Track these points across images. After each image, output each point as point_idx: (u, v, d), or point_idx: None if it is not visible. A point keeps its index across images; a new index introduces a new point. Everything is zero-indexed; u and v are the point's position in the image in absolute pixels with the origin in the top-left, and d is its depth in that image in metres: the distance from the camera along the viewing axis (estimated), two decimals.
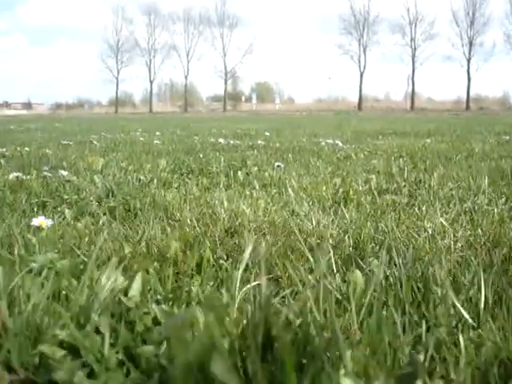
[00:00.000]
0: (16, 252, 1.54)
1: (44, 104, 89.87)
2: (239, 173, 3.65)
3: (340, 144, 6.70)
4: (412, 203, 2.55)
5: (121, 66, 71.02)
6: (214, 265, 1.59)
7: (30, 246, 1.69)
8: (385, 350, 0.95)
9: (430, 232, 1.88)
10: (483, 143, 6.77)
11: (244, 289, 1.22)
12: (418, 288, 1.37)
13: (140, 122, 23.13)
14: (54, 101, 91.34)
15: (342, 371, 0.84)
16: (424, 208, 2.34)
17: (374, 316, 1.07)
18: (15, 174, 3.46)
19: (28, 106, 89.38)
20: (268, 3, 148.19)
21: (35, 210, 2.48)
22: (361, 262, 1.57)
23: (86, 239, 1.83)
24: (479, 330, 1.11)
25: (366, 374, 0.83)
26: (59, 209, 2.48)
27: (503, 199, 2.58)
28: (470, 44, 60.14)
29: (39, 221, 1.98)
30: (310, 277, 1.36)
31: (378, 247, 1.74)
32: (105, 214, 2.35)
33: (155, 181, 3.38)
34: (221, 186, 3.16)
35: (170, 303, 1.27)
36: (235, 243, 1.82)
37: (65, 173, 3.64)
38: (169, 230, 1.94)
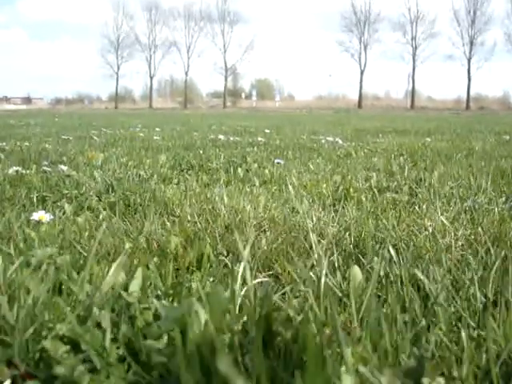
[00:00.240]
0: (16, 246, 1.53)
1: (44, 99, 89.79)
2: (239, 169, 3.65)
3: (340, 142, 6.69)
4: (412, 201, 2.55)
5: (121, 62, 70.99)
6: (214, 261, 1.59)
7: (30, 240, 1.69)
8: (386, 347, 0.94)
9: (431, 230, 1.87)
10: (483, 142, 6.77)
11: (245, 285, 1.21)
12: (418, 286, 1.37)
13: (140, 117, 23.11)
14: (54, 96, 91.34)
15: (343, 368, 0.84)
16: (424, 206, 2.34)
17: (374, 313, 1.07)
18: (15, 169, 3.45)
19: (28, 100, 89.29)
20: (269, 0, 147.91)
21: (35, 204, 2.48)
22: (362, 259, 1.57)
23: (86, 234, 1.82)
24: (479, 329, 1.11)
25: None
26: (59, 203, 2.47)
27: (503, 198, 2.58)
28: (471, 43, 60.13)
29: (39, 215, 1.97)
30: (310, 273, 1.36)
31: (378, 245, 1.74)
32: (105, 209, 2.35)
33: (155, 176, 3.37)
34: (221, 183, 3.15)
35: (171, 299, 1.27)
36: (235, 239, 1.82)
37: (65, 168, 3.63)
38: (169, 225, 1.94)
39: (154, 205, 2.41)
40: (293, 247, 1.71)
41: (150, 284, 1.31)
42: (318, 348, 0.87)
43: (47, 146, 6.02)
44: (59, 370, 0.90)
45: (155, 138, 7.56)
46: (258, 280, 1.32)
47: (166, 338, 1.02)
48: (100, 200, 2.56)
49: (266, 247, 1.70)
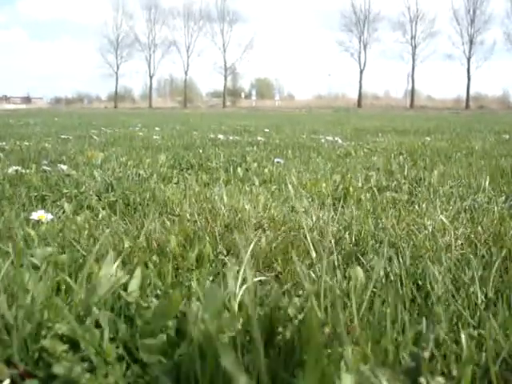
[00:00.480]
0: (15, 245, 1.53)
1: (43, 98, 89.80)
2: (239, 169, 3.65)
3: (340, 141, 6.69)
4: (412, 200, 2.55)
5: (120, 61, 70.99)
6: (213, 260, 1.59)
7: (30, 239, 1.68)
8: (386, 346, 0.94)
9: (430, 229, 1.87)
10: (483, 141, 6.77)
11: (244, 285, 1.21)
12: (418, 285, 1.37)
13: (139, 117, 23.10)
14: (54, 95, 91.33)
15: (344, 367, 0.84)
16: (424, 205, 2.34)
17: (374, 312, 1.06)
18: (14, 168, 3.45)
19: (27, 100, 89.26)
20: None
21: (34, 203, 2.47)
22: (362, 258, 1.57)
23: (86, 233, 1.82)
24: (479, 328, 1.11)
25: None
26: (59, 203, 2.47)
27: (503, 197, 2.58)
28: (471, 42, 60.13)
29: (39, 214, 1.97)
30: (310, 272, 1.36)
31: (378, 244, 1.74)
32: (104, 209, 2.34)
33: (155, 176, 3.37)
34: (220, 182, 3.15)
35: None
36: (235, 238, 1.81)
37: (64, 167, 3.63)
38: (168, 224, 1.93)
39: (153, 204, 2.40)
40: (292, 246, 1.70)
41: (150, 283, 1.31)
42: (317, 346, 0.87)
43: (47, 145, 6.01)
44: (58, 369, 0.90)
45: (155, 137, 7.55)
46: (258, 279, 1.32)
47: (164, 336, 1.02)
48: (100, 199, 2.55)
49: (265, 246, 1.70)
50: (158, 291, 1.28)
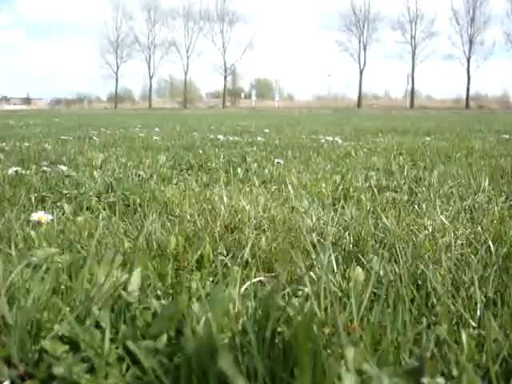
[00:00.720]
0: (15, 246, 1.53)
1: (43, 99, 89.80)
2: (239, 169, 3.65)
3: (339, 141, 6.69)
4: (412, 200, 2.55)
5: (120, 62, 71.05)
6: (213, 260, 1.59)
7: (30, 240, 1.68)
8: (387, 347, 0.94)
9: (430, 229, 1.87)
10: (483, 141, 6.77)
11: (244, 285, 1.21)
12: (418, 285, 1.37)
13: (139, 117, 23.10)
14: (53, 96, 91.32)
15: (344, 368, 0.84)
16: (424, 205, 2.34)
17: (374, 313, 1.06)
18: (14, 169, 3.45)
19: (27, 101, 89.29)
20: (268, 0, 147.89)
21: (35, 204, 2.48)
22: (362, 258, 1.57)
23: (86, 234, 1.82)
24: (480, 328, 1.11)
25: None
26: (58, 204, 2.47)
27: (503, 197, 2.58)
28: (470, 42, 60.17)
29: (39, 215, 1.97)
30: (310, 273, 1.36)
31: (378, 244, 1.74)
32: (104, 210, 2.34)
33: (155, 176, 3.37)
34: (220, 182, 3.15)
35: (170, 299, 1.27)
36: (235, 239, 1.81)
37: (64, 168, 3.63)
38: (168, 225, 1.93)
39: (153, 205, 2.41)
40: (292, 247, 1.71)
41: (150, 284, 1.31)
42: (318, 348, 0.87)
43: (47, 146, 6.01)
44: (58, 369, 0.90)
45: (155, 138, 7.55)
46: (258, 279, 1.32)
47: (164, 337, 1.02)
48: (99, 200, 2.55)
49: (265, 247, 1.70)
50: (158, 292, 1.28)
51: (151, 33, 71.02)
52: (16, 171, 3.40)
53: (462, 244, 1.75)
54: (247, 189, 2.84)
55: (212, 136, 7.94)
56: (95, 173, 3.36)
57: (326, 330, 1.00)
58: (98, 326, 1.03)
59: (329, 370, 0.82)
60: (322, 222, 2.01)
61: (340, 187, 2.83)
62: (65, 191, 2.73)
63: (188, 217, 2.09)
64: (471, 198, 2.52)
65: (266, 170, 3.65)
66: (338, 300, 1.24)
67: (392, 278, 1.37)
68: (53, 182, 3.03)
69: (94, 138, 7.54)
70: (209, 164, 4.09)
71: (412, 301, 1.26)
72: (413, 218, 2.09)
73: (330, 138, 7.10)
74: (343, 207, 2.29)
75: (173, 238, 1.68)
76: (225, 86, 71.44)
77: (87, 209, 2.40)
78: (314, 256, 1.52)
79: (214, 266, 1.55)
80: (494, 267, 1.43)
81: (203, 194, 2.63)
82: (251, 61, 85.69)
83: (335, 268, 1.44)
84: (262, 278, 1.36)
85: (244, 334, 1.00)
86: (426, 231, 1.85)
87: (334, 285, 1.32)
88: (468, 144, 6.29)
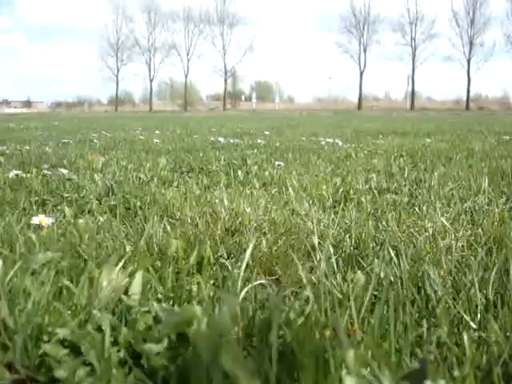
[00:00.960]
0: (16, 250, 1.54)
1: (44, 102, 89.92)
2: (239, 172, 3.65)
3: (340, 143, 6.70)
4: (412, 202, 2.55)
5: (121, 65, 71.10)
6: (214, 263, 1.59)
7: (31, 244, 1.69)
8: (388, 349, 0.94)
9: (431, 232, 1.87)
10: (483, 143, 6.77)
11: (245, 288, 1.21)
12: (419, 287, 1.37)
13: (140, 120, 23.11)
14: (54, 99, 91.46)
15: (345, 371, 0.84)
16: (424, 207, 2.34)
17: (375, 315, 1.07)
18: (15, 172, 3.46)
19: (28, 104, 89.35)
20: (268, 2, 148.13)
21: (35, 208, 2.48)
22: (362, 261, 1.57)
23: (87, 237, 1.82)
24: (480, 330, 1.11)
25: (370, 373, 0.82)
26: (59, 207, 2.48)
27: (503, 199, 2.58)
28: (471, 44, 60.22)
29: (39, 219, 1.97)
30: (311, 275, 1.36)
31: (378, 247, 1.74)
32: (105, 213, 2.35)
33: (155, 179, 3.38)
34: (221, 185, 3.15)
35: (171, 302, 1.27)
36: (236, 242, 1.82)
37: (65, 171, 3.63)
38: (169, 228, 1.93)
39: (154, 208, 2.41)
40: (293, 249, 1.71)
41: (151, 287, 1.31)
42: (319, 351, 0.87)
43: (47, 149, 6.02)
44: (60, 373, 0.90)
45: (155, 140, 7.56)
46: (258, 282, 1.32)
47: (166, 341, 1.02)
48: (100, 203, 2.56)
49: (266, 249, 1.70)
50: (159, 295, 1.28)
51: (151, 35, 71.14)
52: (17, 174, 3.41)
53: (462, 246, 1.75)
54: (248, 191, 2.84)
55: (212, 138, 7.94)
56: (96, 176, 3.36)
57: (327, 333, 1.00)
58: (99, 329, 1.03)
59: (330, 372, 0.83)
60: (322, 224, 2.01)
61: (340, 189, 2.83)
62: (65, 194, 2.74)
63: (189, 220, 2.09)
64: (472, 200, 2.52)
65: (267, 173, 3.65)
66: (338, 303, 1.24)
67: (392, 280, 1.37)
68: (53, 185, 3.04)
69: (95, 140, 7.55)
70: (209, 167, 4.10)
71: (412, 303, 1.27)
72: (413, 220, 2.09)
73: (331, 140, 7.10)
74: (344, 209, 2.29)
75: (173, 241, 1.68)
76: (225, 88, 71.53)
77: (88, 212, 2.40)
78: (314, 258, 1.52)
79: (214, 268, 1.56)
80: (495, 269, 1.43)
81: (204, 196, 2.63)
82: (251, 63, 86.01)
83: (336, 270, 1.44)
84: (263, 281, 1.36)
85: (246, 336, 1.00)
86: (427, 233, 1.85)
87: (335, 287, 1.32)
88: (468, 145, 6.29)
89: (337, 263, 1.50)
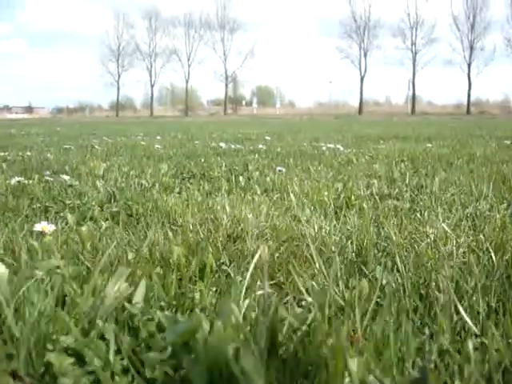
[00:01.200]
0: (20, 258, 1.54)
1: (45, 108, 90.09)
2: (241, 178, 3.65)
3: (341, 148, 6.70)
4: (414, 208, 2.55)
5: (122, 71, 71.27)
6: (216, 270, 1.60)
7: (34, 251, 1.69)
8: (391, 357, 0.95)
9: (432, 238, 1.88)
10: (484, 147, 6.78)
11: (249, 296, 1.22)
12: (421, 294, 1.37)
13: (141, 125, 23.15)
14: (55, 104, 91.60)
15: (347, 379, 0.84)
16: (426, 213, 2.34)
17: (377, 323, 1.07)
18: (17, 179, 3.47)
19: (29, 109, 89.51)
20: (269, 7, 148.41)
21: (38, 214, 2.48)
22: (364, 268, 1.57)
23: (89, 245, 1.83)
24: (482, 337, 1.11)
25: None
26: (61, 214, 2.48)
27: (505, 204, 2.59)
28: (471, 48, 60.30)
29: (42, 226, 1.98)
30: (313, 283, 1.36)
31: (380, 253, 1.74)
32: (107, 219, 2.35)
33: (157, 185, 3.38)
34: (222, 191, 3.16)
35: (174, 309, 1.27)
36: (238, 249, 1.82)
37: (67, 177, 3.64)
38: (171, 235, 1.94)
39: (156, 214, 2.41)
40: (295, 256, 1.71)
41: (153, 295, 1.32)
42: (322, 359, 0.87)
43: (49, 155, 6.03)
44: (64, 382, 0.90)
45: (156, 146, 7.57)
46: (261, 291, 1.32)
47: (169, 349, 1.02)
48: (102, 210, 2.56)
49: (268, 256, 1.71)
50: (162, 303, 1.28)
51: (152, 41, 71.34)
52: (19, 181, 3.42)
53: (464, 252, 1.75)
54: (249, 197, 2.85)
55: (214, 144, 7.96)
56: (98, 182, 3.37)
57: (330, 341, 1.01)
58: (103, 337, 1.04)
59: (334, 380, 0.83)
60: (324, 231, 2.01)
61: (342, 195, 2.84)
62: (67, 201, 2.74)
63: (190, 226, 2.10)
64: (473, 206, 2.52)
65: (268, 178, 3.65)
66: (341, 310, 1.25)
67: (395, 287, 1.38)
68: (55, 191, 3.04)
69: (96, 146, 7.56)
70: (211, 173, 4.10)
71: (415, 310, 1.27)
72: (415, 226, 2.09)
73: (332, 145, 7.11)
74: (345, 216, 2.29)
75: (175, 248, 1.69)
76: (226, 93, 71.67)
77: (90, 219, 2.41)
78: (317, 265, 1.52)
79: (217, 275, 1.56)
80: (496, 276, 1.43)
81: (205, 203, 2.64)
82: (252, 68, 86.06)
83: (338, 278, 1.44)
84: (265, 289, 1.36)
85: (249, 344, 1.01)
86: (428, 239, 1.86)
87: (337, 294, 1.33)
88: (469, 150, 6.30)
89: (339, 270, 1.51)
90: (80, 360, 0.98)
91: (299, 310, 1.15)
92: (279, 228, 2.07)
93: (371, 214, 2.37)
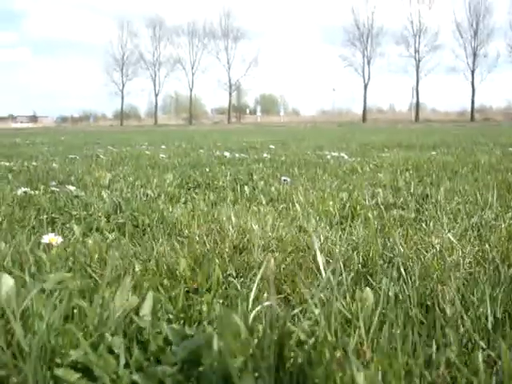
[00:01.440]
0: (28, 271, 1.55)
1: (49, 117, 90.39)
2: (245, 187, 3.66)
3: (345, 157, 6.71)
4: (419, 218, 2.55)
5: (126, 80, 71.59)
6: (223, 282, 1.60)
7: (41, 263, 1.70)
8: (398, 370, 0.95)
9: (438, 248, 1.88)
10: (489, 155, 6.77)
11: (256, 308, 1.22)
12: (427, 306, 1.38)
13: (145, 134, 23.22)
14: (60, 113, 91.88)
15: None
16: (431, 223, 2.34)
17: (384, 335, 1.07)
18: (23, 190, 3.48)
19: (33, 118, 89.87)
20: (272, 16, 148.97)
21: (44, 225, 2.50)
22: (370, 279, 1.57)
23: (96, 256, 1.84)
24: (489, 350, 1.11)
25: None
26: (68, 225, 2.49)
27: (510, 213, 2.58)
28: (474, 55, 60.35)
29: (49, 238, 1.99)
30: (320, 294, 1.37)
31: (386, 264, 1.75)
32: (113, 231, 2.36)
33: (162, 196, 3.39)
34: (228, 201, 3.17)
35: (182, 322, 1.28)
36: (244, 260, 1.83)
37: (72, 188, 3.66)
38: (178, 246, 1.95)
39: (162, 226, 2.42)
40: (301, 268, 1.72)
41: (161, 307, 1.32)
42: (330, 372, 0.88)
43: (54, 165, 6.06)
44: None
45: (161, 155, 7.59)
46: (268, 303, 1.32)
47: (179, 364, 1.03)
48: (108, 221, 2.57)
49: (274, 268, 1.71)
50: (170, 315, 1.29)
51: (156, 50, 71.77)
52: (25, 192, 3.43)
53: (470, 262, 1.76)
54: (255, 208, 2.86)
55: (218, 153, 7.98)
56: (103, 193, 3.38)
57: (338, 354, 1.01)
58: (111, 351, 1.04)
59: None
60: (329, 241, 2.02)
61: (347, 205, 2.84)
62: (74, 212, 2.76)
63: (197, 238, 2.11)
64: (478, 215, 2.52)
65: (273, 188, 3.66)
66: (348, 322, 1.25)
67: (401, 298, 1.38)
68: (61, 202, 3.06)
69: (101, 156, 7.59)
70: (216, 182, 4.11)
71: (422, 322, 1.27)
72: (420, 236, 2.10)
73: (336, 154, 7.12)
74: (351, 226, 2.30)
75: (182, 259, 1.70)
76: (230, 101, 71.87)
77: (96, 230, 2.42)
78: (323, 276, 1.53)
79: (223, 287, 1.57)
80: (503, 286, 1.44)
81: (211, 213, 2.64)
82: (256, 77, 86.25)
83: (344, 289, 1.45)
84: (271, 302, 1.37)
85: (257, 357, 1.01)
86: (434, 250, 1.86)
87: (344, 306, 1.33)
88: (474, 158, 6.29)
89: (345, 281, 1.51)
90: (89, 374, 0.98)
91: (306, 323, 1.15)
92: (285, 239, 2.08)
93: (376, 224, 2.37)
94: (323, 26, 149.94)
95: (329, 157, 6.82)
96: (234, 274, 1.69)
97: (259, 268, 1.66)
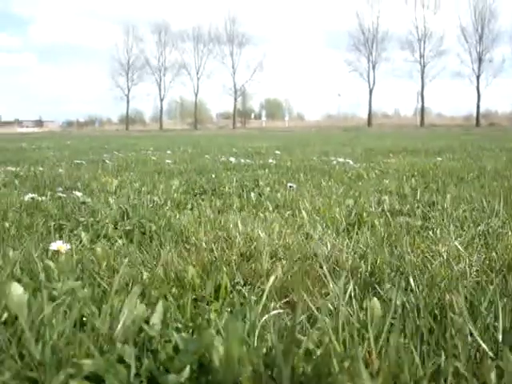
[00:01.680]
0: (37, 279, 1.56)
1: (55, 121, 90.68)
2: (252, 194, 3.67)
3: (351, 163, 6.71)
4: (426, 226, 2.55)
5: (131, 84, 71.75)
6: (231, 290, 1.61)
7: (50, 271, 1.71)
8: (406, 381, 0.95)
9: (445, 256, 1.88)
10: (495, 161, 6.76)
11: (264, 317, 1.23)
12: (435, 315, 1.38)
13: (151, 139, 23.28)
14: (65, 118, 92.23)
15: None
16: (438, 231, 2.34)
17: (392, 345, 1.08)
18: (30, 196, 3.50)
19: (39, 123, 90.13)
20: (277, 21, 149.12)
21: (52, 232, 2.51)
22: (378, 288, 1.58)
23: (104, 264, 1.85)
24: (498, 359, 1.11)
25: None
26: (75, 232, 2.50)
27: None
28: (479, 60, 60.24)
29: (58, 245, 2.00)
30: (328, 303, 1.37)
31: (394, 273, 1.75)
32: (121, 237, 2.37)
33: (169, 202, 3.40)
34: (234, 208, 3.17)
35: (191, 331, 1.28)
36: (251, 268, 1.83)
37: (79, 194, 3.68)
38: (185, 254, 1.96)
39: (169, 233, 2.43)
40: (308, 276, 1.72)
41: (170, 316, 1.33)
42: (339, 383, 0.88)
43: (61, 170, 6.08)
44: None
45: (167, 161, 7.61)
46: (276, 312, 1.33)
47: (187, 370, 1.04)
48: (116, 228, 2.58)
49: (281, 275, 1.72)
50: (179, 324, 1.30)
51: (161, 55, 71.85)
52: (32, 198, 3.45)
53: (477, 271, 1.76)
54: (261, 215, 2.86)
55: (223, 158, 7.99)
56: (110, 199, 3.39)
57: (346, 364, 1.01)
58: (121, 360, 1.05)
59: None
60: (336, 249, 2.02)
61: (353, 212, 2.84)
62: (81, 219, 2.77)
63: (204, 245, 2.12)
64: (485, 223, 2.52)
65: (279, 194, 3.67)
66: (355, 331, 1.25)
67: (409, 308, 1.38)
68: (68, 209, 3.07)
69: (107, 161, 7.61)
70: (222, 188, 4.12)
71: (430, 331, 1.27)
72: (427, 244, 2.10)
73: (342, 160, 7.13)
74: (357, 233, 2.30)
75: (190, 267, 1.70)
76: (235, 106, 71.94)
77: (104, 237, 2.43)
78: (330, 285, 1.53)
79: (231, 295, 1.57)
80: (511, 295, 1.44)
81: (218, 220, 2.65)
82: (261, 81, 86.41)
83: (352, 298, 1.45)
84: (279, 311, 1.38)
85: (265, 366, 1.02)
86: (441, 258, 1.86)
87: (352, 316, 1.33)
88: (480, 164, 6.29)
89: (353, 290, 1.51)
90: (100, 383, 0.99)
91: (314, 332, 1.16)
92: (292, 246, 2.09)
93: (383, 231, 2.37)
94: (328, 31, 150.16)
95: (334, 162, 6.82)
96: (242, 282, 1.70)
97: (267, 276, 1.67)
